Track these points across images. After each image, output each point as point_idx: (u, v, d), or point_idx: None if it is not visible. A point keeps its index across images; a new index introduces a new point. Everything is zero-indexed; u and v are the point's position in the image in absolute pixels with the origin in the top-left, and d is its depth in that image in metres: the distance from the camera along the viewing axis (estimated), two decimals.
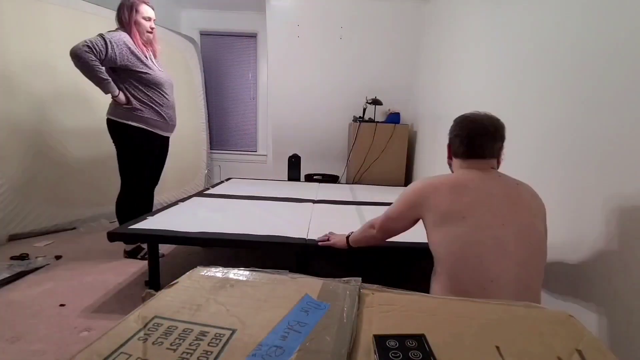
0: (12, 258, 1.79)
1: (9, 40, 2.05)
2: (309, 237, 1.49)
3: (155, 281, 1.59)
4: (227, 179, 3.10)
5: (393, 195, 2.59)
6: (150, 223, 1.60)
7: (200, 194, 2.37)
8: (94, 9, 2.48)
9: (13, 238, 2.07)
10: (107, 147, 2.50)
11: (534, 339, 0.31)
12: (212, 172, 3.81)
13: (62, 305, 1.44)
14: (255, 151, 3.80)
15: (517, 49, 1.61)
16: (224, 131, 3.79)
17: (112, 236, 1.47)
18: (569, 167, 1.23)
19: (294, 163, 3.30)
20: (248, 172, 3.78)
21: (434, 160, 2.65)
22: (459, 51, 2.28)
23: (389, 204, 2.24)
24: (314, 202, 2.24)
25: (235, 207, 2.01)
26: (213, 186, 2.69)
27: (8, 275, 1.59)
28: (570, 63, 1.27)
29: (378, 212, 1.99)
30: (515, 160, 1.53)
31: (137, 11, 1.78)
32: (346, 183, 3.25)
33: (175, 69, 3.11)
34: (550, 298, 1.25)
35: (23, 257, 1.81)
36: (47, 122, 2.24)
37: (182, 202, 2.08)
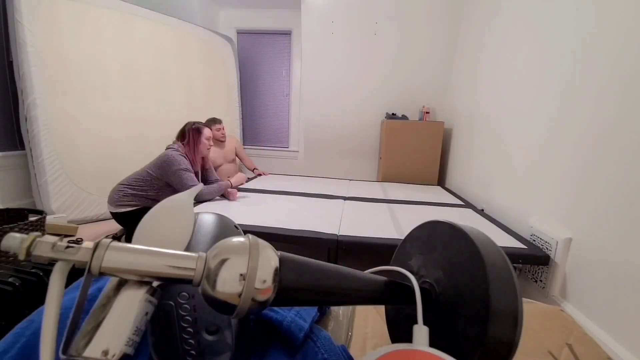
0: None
1: (66, 42, 2.24)
2: (341, 234, 1.51)
3: None
4: (258, 175, 3.20)
5: (425, 193, 2.57)
6: None
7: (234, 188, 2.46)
8: (142, 12, 2.64)
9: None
10: (151, 134, 2.67)
11: (525, 333, 0.32)
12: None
13: None
14: (287, 147, 3.87)
15: (561, 47, 1.53)
16: (257, 127, 3.89)
17: None
18: (617, 169, 1.17)
19: None
20: (280, 167, 3.87)
21: (470, 159, 2.58)
22: (498, 48, 2.19)
23: (421, 203, 2.22)
24: (345, 199, 2.26)
25: (268, 201, 2.08)
26: (246, 181, 2.79)
27: None
28: (620, 61, 1.19)
29: (410, 211, 1.98)
30: (558, 162, 1.46)
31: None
32: (377, 181, 3.24)
33: (213, 67, 3.24)
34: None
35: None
36: (97, 115, 2.42)
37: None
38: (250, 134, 3.91)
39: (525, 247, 1.45)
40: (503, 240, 1.53)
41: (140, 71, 2.65)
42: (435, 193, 2.63)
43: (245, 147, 3.85)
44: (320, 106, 3.51)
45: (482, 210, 2.12)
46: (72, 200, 2.27)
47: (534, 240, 1.51)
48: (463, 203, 2.29)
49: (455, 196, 2.51)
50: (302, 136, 3.70)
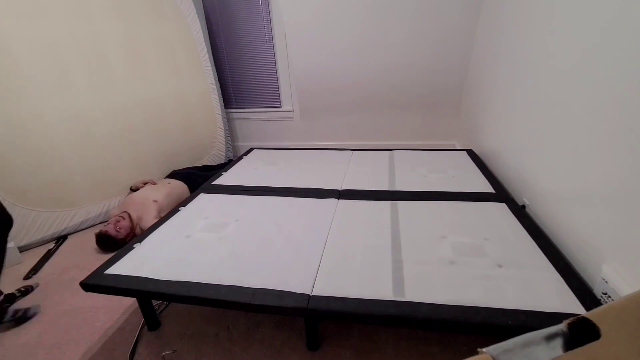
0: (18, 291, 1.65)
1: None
2: (314, 294, 1.08)
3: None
4: (249, 151, 2.71)
5: (443, 173, 1.98)
6: (131, 263, 1.31)
7: (207, 187, 2.03)
8: None
9: (23, 250, 1.99)
10: (96, 125, 2.18)
11: None
12: (235, 135, 3.42)
13: None
14: (280, 106, 3.24)
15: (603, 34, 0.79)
16: (240, 86, 3.22)
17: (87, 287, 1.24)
18: None
19: None
20: (274, 132, 3.34)
21: (510, 118, 1.92)
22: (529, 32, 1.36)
23: (435, 194, 1.68)
24: (340, 193, 1.78)
25: (232, 226, 1.62)
26: (234, 161, 2.32)
27: None
28: None
29: (418, 214, 1.42)
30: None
31: None
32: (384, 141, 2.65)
33: (165, 20, 2.50)
34: None
35: (28, 290, 1.69)
36: (14, 116, 1.91)
37: (183, 206, 1.77)
38: (234, 95, 3.28)
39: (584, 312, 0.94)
40: (548, 288, 1.02)
41: (61, 46, 2.00)
42: (458, 169, 2.05)
43: (234, 110, 3.29)
44: (311, 51, 2.79)
45: (524, 207, 1.56)
46: (19, 223, 1.95)
47: (605, 303, 0.99)
48: (494, 191, 1.72)
49: (485, 174, 1.93)
50: (295, 91, 3.06)
